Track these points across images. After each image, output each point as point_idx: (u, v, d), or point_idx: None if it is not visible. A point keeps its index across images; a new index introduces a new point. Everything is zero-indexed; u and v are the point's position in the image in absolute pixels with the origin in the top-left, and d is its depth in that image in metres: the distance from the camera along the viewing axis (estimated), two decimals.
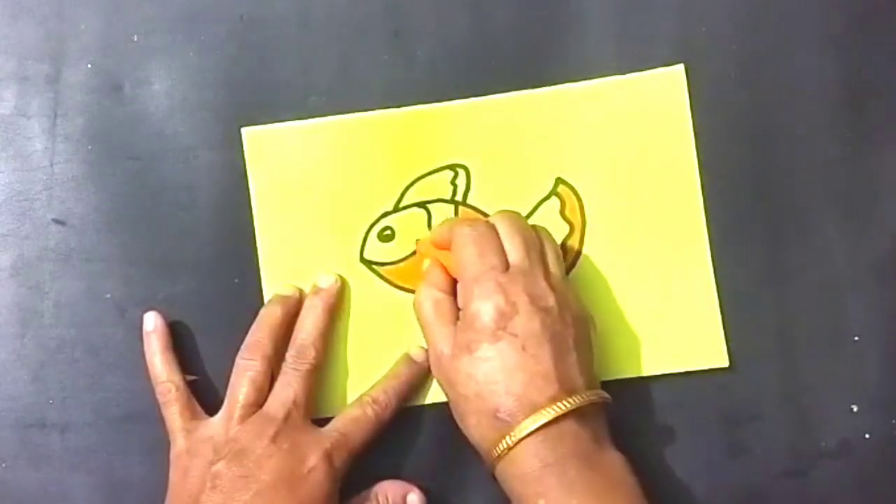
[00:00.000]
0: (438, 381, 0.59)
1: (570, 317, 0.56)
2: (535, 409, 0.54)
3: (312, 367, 0.59)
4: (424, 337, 0.59)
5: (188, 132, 0.63)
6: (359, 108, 0.63)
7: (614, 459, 0.55)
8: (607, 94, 0.63)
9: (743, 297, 0.62)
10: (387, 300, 0.62)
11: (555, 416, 0.53)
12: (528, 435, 0.53)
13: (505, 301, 0.55)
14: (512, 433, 0.54)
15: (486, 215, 0.62)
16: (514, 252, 0.57)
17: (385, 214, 0.63)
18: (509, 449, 0.54)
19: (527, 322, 0.55)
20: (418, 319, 0.59)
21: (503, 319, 0.55)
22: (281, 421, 0.57)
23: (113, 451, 0.62)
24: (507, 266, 0.57)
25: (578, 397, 0.54)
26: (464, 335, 0.56)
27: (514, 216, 0.59)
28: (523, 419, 0.54)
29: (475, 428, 0.56)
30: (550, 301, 0.56)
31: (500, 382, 0.54)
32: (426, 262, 0.61)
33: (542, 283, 0.56)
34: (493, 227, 0.58)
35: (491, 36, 0.63)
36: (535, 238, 0.58)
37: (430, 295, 0.59)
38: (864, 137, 0.62)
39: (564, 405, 0.53)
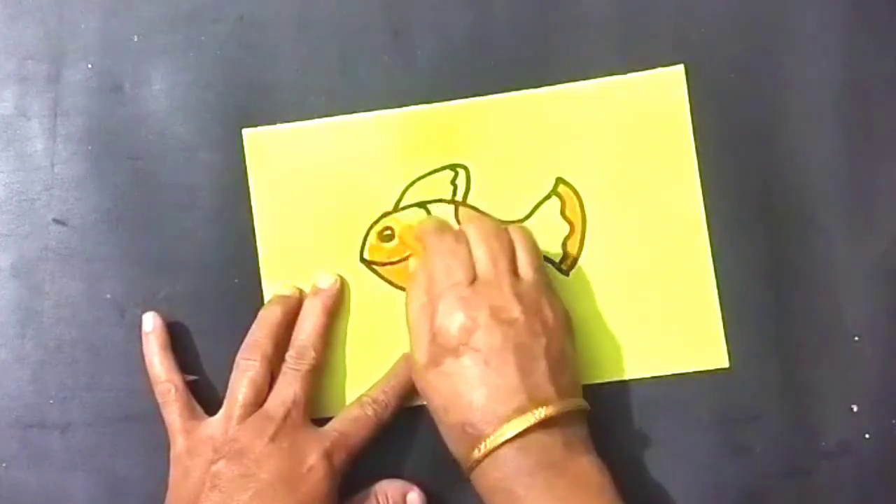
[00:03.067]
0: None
1: (541, 325, 0.56)
2: (501, 421, 0.54)
3: (312, 368, 0.59)
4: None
5: (188, 132, 0.63)
6: (359, 109, 0.63)
7: (585, 465, 0.55)
8: (607, 94, 0.63)
9: (743, 297, 0.62)
10: (387, 300, 0.62)
11: (520, 429, 0.53)
12: (496, 448, 0.54)
13: (466, 316, 0.56)
14: (479, 447, 0.54)
15: (486, 216, 0.62)
16: (481, 263, 0.58)
17: (385, 214, 0.63)
18: (479, 461, 0.54)
19: (488, 336, 0.55)
20: (406, 322, 0.59)
21: (465, 334, 0.55)
22: (280, 420, 0.57)
23: (113, 451, 0.62)
24: (474, 277, 0.57)
25: (546, 409, 0.54)
26: (431, 349, 0.56)
27: (483, 223, 0.59)
28: (490, 432, 0.54)
29: (447, 439, 0.57)
30: (515, 312, 0.56)
31: (465, 396, 0.55)
32: (412, 262, 0.61)
33: (508, 294, 0.56)
34: (462, 237, 0.59)
35: (491, 36, 0.63)
36: (506, 244, 0.58)
37: (418, 297, 0.59)
38: (864, 137, 0.62)
39: (530, 418, 0.54)
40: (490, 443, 0.54)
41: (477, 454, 0.54)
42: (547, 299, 0.58)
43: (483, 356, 0.55)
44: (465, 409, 0.55)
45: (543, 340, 0.56)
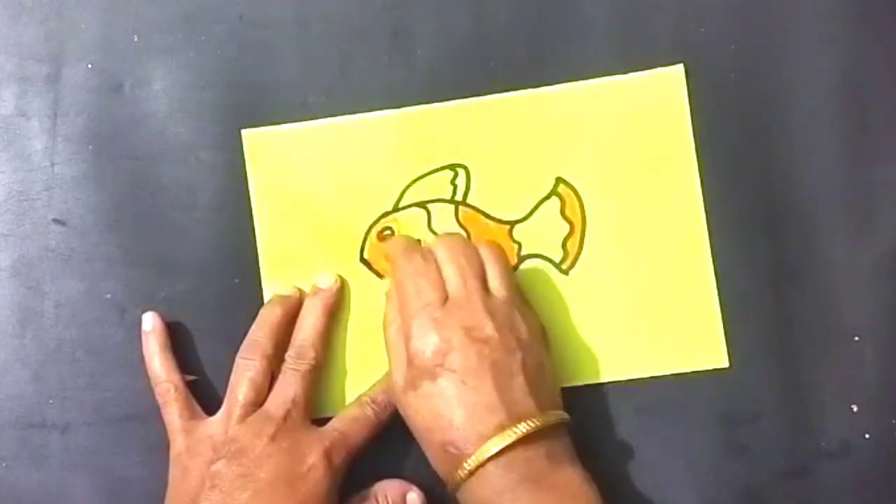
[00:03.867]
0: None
1: (515, 341, 0.56)
2: (482, 439, 0.54)
3: (312, 368, 0.59)
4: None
5: (188, 132, 0.63)
6: (359, 109, 0.63)
7: (569, 476, 0.55)
8: (607, 94, 0.63)
9: (743, 297, 0.62)
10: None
11: (502, 446, 0.53)
12: (479, 466, 0.53)
13: (440, 338, 0.56)
14: (462, 466, 0.54)
15: (485, 215, 0.62)
16: (451, 282, 0.57)
17: (385, 214, 0.63)
18: (463, 480, 0.54)
19: (463, 356, 0.55)
20: (384, 343, 0.59)
21: (440, 356, 0.55)
22: (280, 420, 0.57)
23: (113, 451, 0.62)
24: (445, 297, 0.57)
25: (526, 424, 0.54)
26: (409, 371, 0.56)
27: (450, 242, 0.59)
28: (472, 451, 0.54)
29: (432, 460, 0.56)
30: (488, 330, 0.56)
31: (444, 417, 0.55)
32: (385, 282, 0.61)
33: (480, 312, 0.56)
34: (430, 257, 0.58)
35: (491, 36, 0.63)
36: (475, 261, 0.58)
37: (393, 320, 0.59)
38: (864, 137, 0.62)
39: (511, 434, 0.53)
40: (473, 461, 0.54)
41: (461, 473, 0.54)
42: (520, 314, 0.57)
43: (459, 376, 0.55)
44: (446, 429, 0.55)
45: (519, 356, 0.56)
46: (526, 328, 0.57)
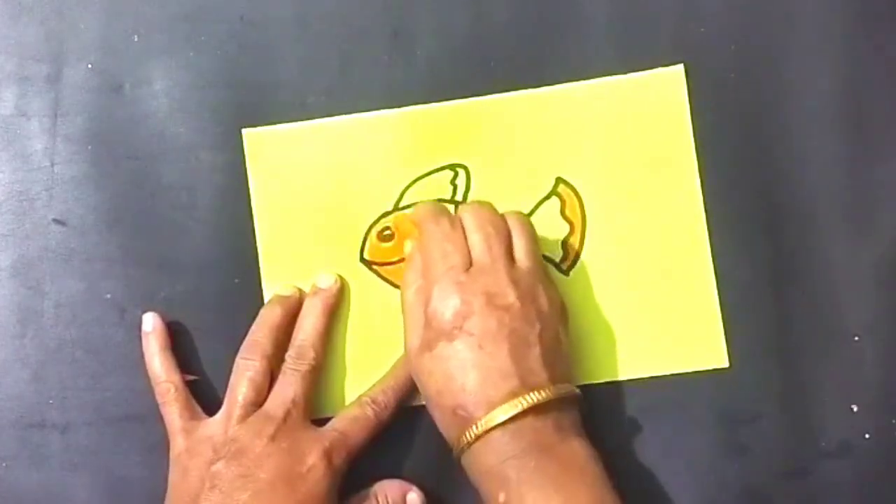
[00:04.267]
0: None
1: (536, 312, 0.56)
2: (492, 405, 0.54)
3: (312, 368, 0.59)
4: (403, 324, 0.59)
5: (188, 132, 0.63)
6: (359, 109, 0.63)
7: (577, 448, 0.55)
8: (607, 94, 0.63)
9: (743, 297, 0.62)
10: (387, 300, 0.62)
11: (512, 413, 0.53)
12: (487, 431, 0.54)
13: (461, 301, 0.56)
14: (470, 430, 0.54)
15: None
16: (476, 248, 0.58)
17: (385, 214, 0.63)
18: (469, 444, 0.54)
19: (483, 321, 0.55)
20: (401, 305, 0.59)
21: (460, 318, 0.56)
22: (280, 420, 0.57)
23: (113, 451, 0.62)
24: (469, 263, 0.57)
25: (538, 393, 0.54)
26: (426, 333, 0.56)
27: (479, 209, 0.59)
28: (481, 416, 0.54)
29: (440, 423, 0.57)
30: (510, 298, 0.56)
31: (458, 380, 0.55)
32: (408, 245, 0.61)
33: (504, 280, 0.56)
34: (458, 223, 0.59)
35: (491, 36, 0.63)
36: (502, 230, 0.59)
37: (413, 281, 0.59)
38: (864, 137, 0.62)
39: (522, 402, 0.54)
40: (481, 426, 0.54)
41: (468, 437, 0.54)
42: (542, 286, 0.58)
43: (477, 340, 0.55)
44: (458, 392, 0.55)
45: (538, 327, 0.56)
46: (547, 301, 0.57)
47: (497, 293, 0.56)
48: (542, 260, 0.60)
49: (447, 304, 0.56)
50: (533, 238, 0.60)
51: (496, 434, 0.54)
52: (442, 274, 0.57)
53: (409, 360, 0.58)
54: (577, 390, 0.57)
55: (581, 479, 0.54)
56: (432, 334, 0.56)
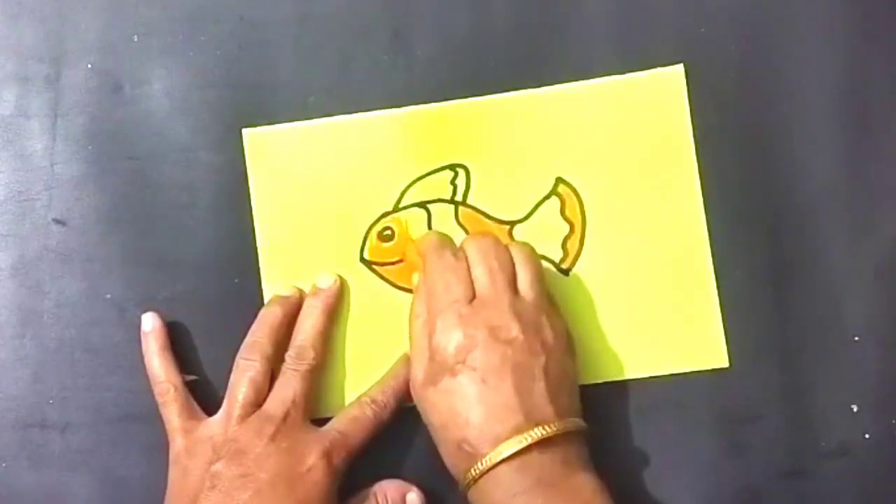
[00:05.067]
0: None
1: (540, 344, 0.56)
2: (497, 440, 0.54)
3: (312, 368, 0.59)
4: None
5: (188, 132, 0.63)
6: (359, 109, 0.63)
7: (584, 483, 0.55)
8: (607, 94, 0.63)
9: (743, 297, 0.62)
10: (387, 300, 0.62)
11: (517, 449, 0.53)
12: (493, 467, 0.53)
13: (464, 335, 0.56)
14: (476, 466, 0.54)
15: (485, 215, 0.62)
16: (480, 281, 0.57)
17: (385, 214, 0.63)
18: (475, 480, 0.54)
19: (486, 355, 0.55)
20: (408, 336, 0.59)
21: (463, 353, 0.55)
22: (280, 420, 0.57)
23: (113, 451, 0.62)
24: (473, 295, 0.57)
25: (543, 428, 0.54)
26: (429, 366, 0.56)
27: (482, 241, 0.59)
28: (487, 451, 0.54)
29: (445, 457, 0.56)
30: (514, 332, 0.56)
31: (462, 415, 0.55)
32: (415, 276, 0.61)
33: (507, 313, 0.56)
34: (461, 254, 0.58)
35: (491, 36, 0.63)
36: (505, 262, 0.58)
37: (420, 314, 0.59)
38: (864, 137, 0.62)
39: (527, 438, 0.53)
40: (486, 462, 0.53)
41: (474, 473, 0.54)
42: (547, 318, 0.57)
43: (480, 375, 0.55)
44: (462, 427, 0.55)
45: (542, 360, 0.56)
46: (552, 333, 0.57)
47: (500, 326, 0.56)
48: (547, 291, 0.59)
49: (450, 338, 0.56)
50: (537, 269, 0.59)
51: (502, 469, 0.53)
52: (445, 307, 0.57)
53: (415, 393, 0.58)
54: (584, 424, 0.56)
55: None
56: (436, 368, 0.56)
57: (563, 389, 0.56)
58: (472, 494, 0.55)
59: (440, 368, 0.56)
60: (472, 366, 0.55)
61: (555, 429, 0.54)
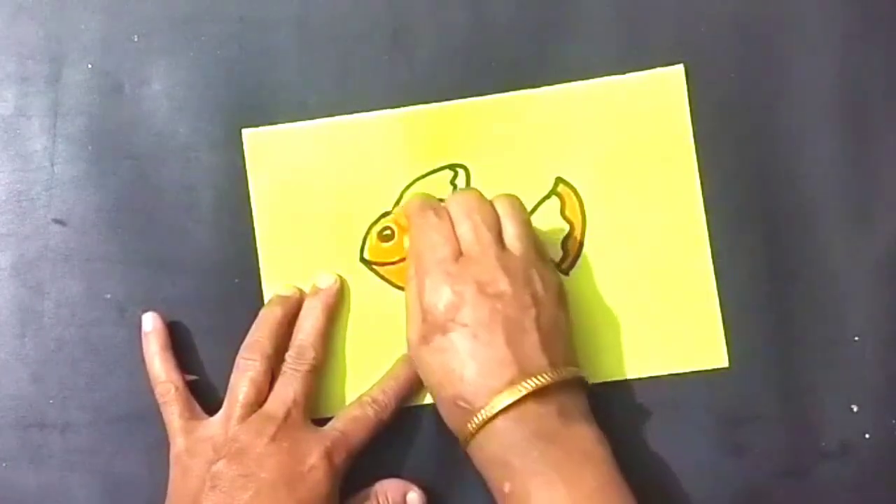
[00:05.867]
0: None
1: (530, 297, 0.56)
2: (492, 394, 0.54)
3: (312, 368, 0.59)
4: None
5: (188, 132, 0.63)
6: (359, 109, 0.63)
7: (583, 433, 0.55)
8: (607, 94, 0.63)
9: (743, 297, 0.62)
10: (387, 300, 0.62)
11: (512, 400, 0.53)
12: (489, 420, 0.54)
13: (453, 292, 0.56)
14: (472, 420, 0.54)
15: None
16: (465, 238, 0.57)
17: (385, 214, 0.63)
18: (472, 435, 0.54)
19: (475, 310, 0.55)
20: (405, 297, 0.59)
21: (452, 310, 0.55)
22: (281, 420, 0.57)
23: (113, 451, 0.62)
24: (459, 253, 0.57)
25: (536, 379, 0.54)
26: (422, 327, 0.56)
27: (466, 197, 0.59)
28: (482, 406, 0.54)
29: (444, 415, 0.57)
30: (502, 285, 0.56)
31: (456, 371, 0.55)
32: (406, 240, 0.61)
33: (494, 267, 0.56)
34: (444, 213, 0.58)
35: (491, 36, 0.63)
36: (489, 217, 0.58)
37: (410, 276, 0.58)
38: (864, 137, 0.62)
39: (521, 389, 0.53)
40: (482, 415, 0.54)
41: (471, 427, 0.54)
42: (536, 270, 0.57)
43: (471, 330, 0.55)
44: (457, 383, 0.55)
45: (533, 312, 0.56)
46: (541, 284, 0.57)
47: (488, 281, 0.56)
48: (538, 243, 0.59)
49: (439, 297, 0.56)
50: (523, 221, 0.59)
51: (498, 423, 0.54)
52: (432, 266, 0.57)
53: (410, 354, 0.58)
54: (581, 372, 0.56)
55: (586, 465, 0.54)
56: (428, 328, 0.56)
57: (556, 340, 0.56)
58: (472, 450, 0.55)
59: (431, 327, 0.56)
60: (462, 322, 0.55)
61: (548, 378, 0.54)
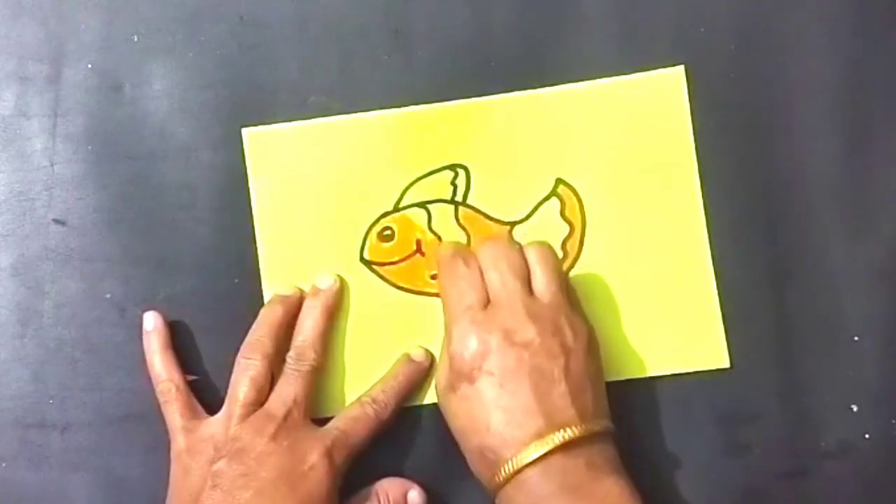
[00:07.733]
0: None
1: (559, 346, 0.56)
2: (519, 445, 0.53)
3: (312, 368, 0.59)
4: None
5: (188, 132, 0.63)
6: (359, 109, 0.63)
7: (610, 487, 0.54)
8: (607, 94, 0.63)
9: (743, 297, 0.62)
10: (387, 300, 0.62)
11: (539, 454, 0.53)
12: (516, 472, 0.53)
13: (479, 340, 0.55)
14: (499, 472, 0.54)
15: (485, 216, 0.62)
16: (492, 285, 0.57)
17: (385, 214, 0.63)
18: (500, 486, 0.54)
19: (501, 358, 0.55)
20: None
21: (479, 358, 0.55)
22: (281, 419, 0.57)
23: (113, 451, 0.62)
24: (487, 301, 0.57)
25: (565, 432, 0.53)
26: (449, 375, 0.56)
27: (493, 246, 0.59)
28: (509, 457, 0.53)
29: (471, 463, 0.57)
30: (529, 334, 0.55)
31: (482, 421, 0.55)
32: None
33: (522, 316, 0.56)
34: (473, 261, 0.58)
35: (491, 36, 0.63)
36: (517, 264, 0.58)
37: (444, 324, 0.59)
38: (864, 137, 0.62)
39: (549, 442, 0.53)
40: (509, 468, 0.53)
41: (498, 479, 0.54)
42: (566, 318, 0.57)
43: (498, 380, 0.55)
44: (483, 433, 0.55)
45: (562, 361, 0.55)
46: (571, 332, 0.56)
47: (515, 329, 0.56)
48: (568, 290, 0.59)
49: (466, 345, 0.56)
50: (554, 268, 0.58)
51: (526, 475, 0.53)
52: (459, 314, 0.57)
53: (438, 400, 0.58)
54: (610, 425, 0.56)
55: None
56: (455, 375, 0.56)
57: (585, 391, 0.55)
58: (500, 500, 0.55)
59: (458, 376, 0.56)
60: (489, 371, 0.55)
61: (577, 432, 0.54)
